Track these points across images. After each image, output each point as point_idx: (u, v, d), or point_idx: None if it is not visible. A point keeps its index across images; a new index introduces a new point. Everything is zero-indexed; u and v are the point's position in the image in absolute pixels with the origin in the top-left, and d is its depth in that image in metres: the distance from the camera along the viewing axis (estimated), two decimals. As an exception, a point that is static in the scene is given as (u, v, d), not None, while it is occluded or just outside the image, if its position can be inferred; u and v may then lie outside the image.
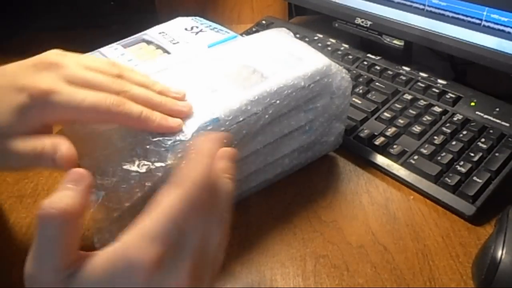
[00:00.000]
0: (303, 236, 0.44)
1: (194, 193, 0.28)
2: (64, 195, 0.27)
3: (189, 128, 0.39)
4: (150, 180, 0.37)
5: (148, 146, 0.38)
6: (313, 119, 0.48)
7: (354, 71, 0.63)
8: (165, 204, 0.27)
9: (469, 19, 0.54)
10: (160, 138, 0.38)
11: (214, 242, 0.30)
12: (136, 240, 0.26)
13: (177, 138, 0.38)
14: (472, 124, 0.52)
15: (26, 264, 0.26)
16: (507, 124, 0.50)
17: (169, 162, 0.37)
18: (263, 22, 0.78)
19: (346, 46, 0.68)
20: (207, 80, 0.45)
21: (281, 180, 0.50)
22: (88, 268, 0.26)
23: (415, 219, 0.46)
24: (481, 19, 0.53)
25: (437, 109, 0.54)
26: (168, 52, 0.61)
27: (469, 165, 0.47)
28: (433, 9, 0.57)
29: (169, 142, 0.38)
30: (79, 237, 0.28)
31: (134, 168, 0.38)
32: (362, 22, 0.66)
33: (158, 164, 0.37)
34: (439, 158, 0.49)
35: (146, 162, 0.38)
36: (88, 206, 0.28)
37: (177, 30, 0.65)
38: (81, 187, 0.28)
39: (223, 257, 0.31)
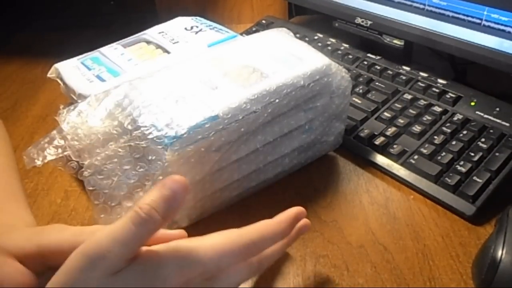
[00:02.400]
0: (303, 236, 0.44)
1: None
2: (163, 206, 0.28)
3: (186, 124, 0.39)
4: (150, 178, 0.37)
5: (145, 144, 0.38)
6: (313, 118, 0.48)
7: (354, 71, 0.63)
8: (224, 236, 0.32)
9: (469, 18, 0.54)
10: (158, 135, 0.38)
11: None
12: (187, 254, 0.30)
13: (175, 134, 0.38)
14: (472, 124, 0.52)
15: (97, 240, 0.28)
16: (507, 124, 0.50)
17: (166, 159, 0.37)
18: (263, 22, 0.78)
19: (346, 45, 0.68)
20: (207, 78, 0.45)
21: (281, 180, 0.50)
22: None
23: (415, 219, 0.46)
24: (481, 19, 0.53)
25: (437, 109, 0.54)
26: (168, 52, 0.61)
27: (469, 165, 0.47)
28: (433, 9, 0.57)
29: (166, 140, 0.38)
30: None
31: (132, 167, 0.38)
32: (362, 21, 0.66)
33: (155, 162, 0.37)
34: (439, 158, 0.49)
35: (144, 161, 0.38)
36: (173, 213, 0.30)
37: (177, 30, 0.65)
38: (179, 200, 0.29)
39: None
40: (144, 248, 0.30)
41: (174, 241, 0.31)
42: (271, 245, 0.35)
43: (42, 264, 0.33)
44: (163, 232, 0.34)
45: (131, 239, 0.28)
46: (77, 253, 0.28)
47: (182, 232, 0.36)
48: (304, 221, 0.39)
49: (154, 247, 0.30)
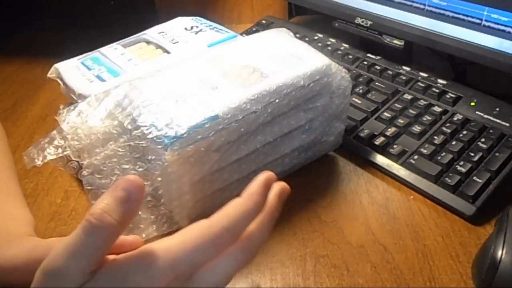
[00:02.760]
0: (303, 236, 0.44)
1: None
2: (118, 209, 0.27)
3: (186, 124, 0.39)
4: (149, 178, 0.37)
5: (145, 144, 0.38)
6: (313, 118, 0.48)
7: (354, 71, 0.63)
8: (190, 230, 0.29)
9: (469, 19, 0.54)
10: (157, 134, 0.38)
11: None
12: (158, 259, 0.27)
13: (175, 134, 0.38)
14: (472, 124, 0.52)
15: (53, 257, 0.26)
16: (507, 124, 0.50)
17: (166, 159, 0.37)
18: (263, 22, 0.78)
19: (346, 46, 0.68)
20: (207, 78, 0.45)
21: (281, 179, 0.50)
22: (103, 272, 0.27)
23: (415, 219, 0.46)
24: (481, 19, 0.53)
25: (437, 109, 0.54)
26: (168, 52, 0.61)
27: (469, 165, 0.47)
28: (433, 9, 0.57)
29: (166, 139, 0.38)
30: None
31: (132, 166, 0.38)
32: (362, 22, 0.66)
33: (155, 162, 0.37)
34: (439, 158, 0.49)
35: (143, 160, 0.38)
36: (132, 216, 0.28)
37: (177, 30, 0.65)
38: (134, 200, 0.27)
39: None
40: (111, 257, 0.28)
41: (142, 246, 0.29)
42: (248, 224, 0.30)
43: (2, 281, 0.31)
44: (128, 238, 0.32)
45: (86, 250, 0.26)
46: (38, 272, 0.26)
47: (137, 237, 0.33)
48: (279, 185, 0.33)
49: (120, 256, 0.28)
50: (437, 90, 0.56)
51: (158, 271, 0.27)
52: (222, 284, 0.30)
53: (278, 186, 0.33)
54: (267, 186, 0.31)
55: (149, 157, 0.38)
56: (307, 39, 0.71)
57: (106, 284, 0.26)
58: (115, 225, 0.26)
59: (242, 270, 0.32)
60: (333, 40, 0.70)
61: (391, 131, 0.53)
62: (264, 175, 0.31)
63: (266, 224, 0.32)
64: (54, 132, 0.41)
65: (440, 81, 0.58)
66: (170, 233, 0.30)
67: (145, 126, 0.39)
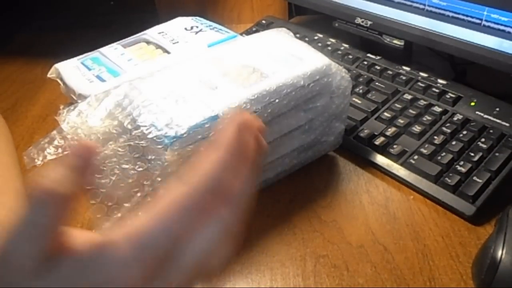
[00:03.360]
0: (303, 236, 0.44)
1: (201, 188, 0.23)
2: (60, 173, 0.23)
3: (186, 124, 0.39)
4: (148, 178, 0.37)
5: (145, 144, 0.38)
6: (313, 118, 0.48)
7: (354, 71, 0.63)
8: (166, 202, 0.23)
9: (469, 19, 0.54)
10: (157, 134, 0.38)
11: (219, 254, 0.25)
12: (122, 247, 0.22)
13: (174, 134, 0.38)
14: (472, 124, 0.52)
15: (6, 238, 0.22)
16: (507, 124, 0.50)
17: (166, 159, 0.37)
18: (263, 22, 0.78)
19: (346, 46, 0.68)
20: (207, 78, 0.45)
21: (281, 179, 0.50)
22: (65, 262, 0.22)
23: (415, 219, 0.46)
24: (481, 19, 0.53)
25: (437, 109, 0.54)
26: (168, 52, 0.61)
27: (469, 165, 0.47)
28: (433, 9, 0.57)
29: (166, 139, 0.38)
30: (66, 224, 0.24)
31: (131, 166, 0.38)
32: (362, 22, 0.66)
33: (155, 162, 0.37)
34: (439, 158, 0.49)
35: (143, 160, 0.38)
36: (86, 188, 0.25)
37: (177, 30, 0.65)
38: (82, 164, 0.24)
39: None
40: (78, 235, 0.24)
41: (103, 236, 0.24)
42: (230, 181, 0.25)
43: None
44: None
45: (29, 230, 0.22)
46: None
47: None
48: (254, 125, 0.26)
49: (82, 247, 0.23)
50: (437, 90, 0.56)
51: (125, 262, 0.22)
52: (213, 252, 0.25)
53: (255, 127, 0.27)
54: (242, 130, 0.26)
55: (149, 157, 0.38)
56: (307, 39, 0.70)
57: (72, 267, 0.22)
58: (63, 194, 0.23)
59: (233, 232, 0.26)
60: (333, 40, 0.70)
61: (391, 131, 0.53)
62: (237, 119, 0.26)
63: (248, 175, 0.26)
64: (54, 132, 0.41)
65: (440, 81, 0.58)
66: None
67: (145, 126, 0.39)
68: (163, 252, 0.23)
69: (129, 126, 0.40)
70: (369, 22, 0.65)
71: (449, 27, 0.56)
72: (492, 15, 0.52)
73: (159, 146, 0.38)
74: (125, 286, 0.22)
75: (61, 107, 0.43)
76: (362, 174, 0.52)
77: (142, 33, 0.66)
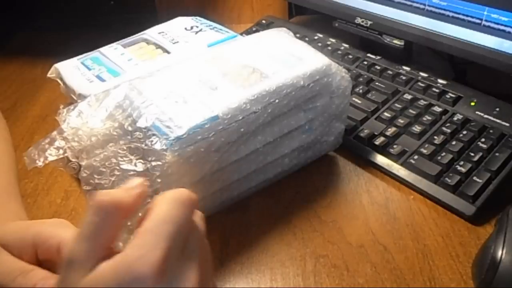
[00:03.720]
0: (303, 236, 0.44)
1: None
2: (119, 191, 0.27)
3: (186, 125, 0.39)
4: (149, 179, 0.37)
5: (145, 146, 0.38)
6: (313, 118, 0.48)
7: (354, 71, 0.63)
8: (164, 207, 0.27)
9: (469, 18, 0.54)
10: (158, 135, 0.38)
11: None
12: (137, 249, 0.25)
13: (174, 135, 0.38)
14: (472, 124, 0.52)
15: (71, 240, 0.26)
16: (507, 124, 0.50)
17: (166, 160, 0.37)
18: (263, 21, 0.78)
19: (346, 45, 0.68)
20: (207, 78, 0.45)
21: (281, 179, 0.50)
22: (96, 276, 0.25)
23: (415, 219, 0.46)
24: (481, 19, 0.53)
25: (437, 109, 0.54)
26: (168, 52, 0.61)
27: (469, 165, 0.47)
28: (433, 9, 0.57)
29: (166, 141, 0.38)
30: (116, 236, 0.27)
31: (131, 167, 0.38)
32: (362, 21, 0.66)
33: (155, 163, 0.37)
34: (439, 158, 0.49)
35: (143, 161, 0.38)
36: (138, 209, 0.28)
37: (177, 30, 0.65)
38: (136, 190, 0.27)
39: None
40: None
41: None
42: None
43: (36, 257, 0.31)
44: None
45: (89, 232, 0.25)
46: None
47: None
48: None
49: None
50: (437, 90, 0.56)
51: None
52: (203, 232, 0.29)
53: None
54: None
55: (149, 158, 0.38)
56: (307, 39, 0.70)
57: (111, 271, 0.25)
58: (114, 201, 0.26)
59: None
60: (333, 40, 0.70)
61: (391, 131, 0.53)
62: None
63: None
64: (55, 132, 0.41)
65: (440, 81, 0.58)
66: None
67: (145, 128, 0.39)
68: (177, 243, 0.26)
69: (130, 128, 0.40)
70: (369, 22, 0.65)
71: (449, 27, 0.56)
72: (492, 15, 0.52)
73: (159, 148, 0.38)
74: None
75: (61, 107, 0.43)
76: (362, 174, 0.52)
77: (142, 33, 0.66)
